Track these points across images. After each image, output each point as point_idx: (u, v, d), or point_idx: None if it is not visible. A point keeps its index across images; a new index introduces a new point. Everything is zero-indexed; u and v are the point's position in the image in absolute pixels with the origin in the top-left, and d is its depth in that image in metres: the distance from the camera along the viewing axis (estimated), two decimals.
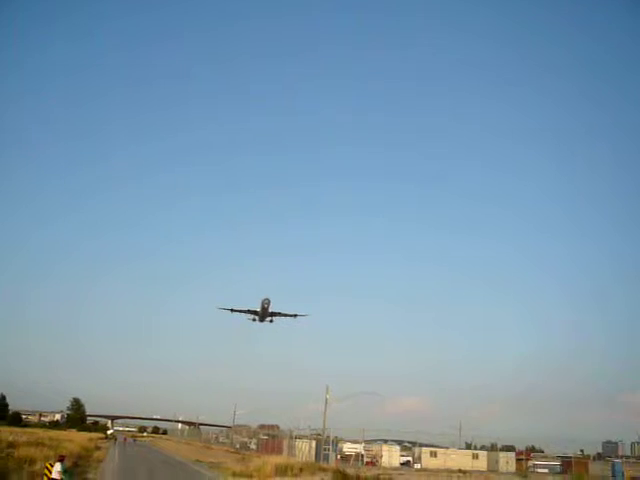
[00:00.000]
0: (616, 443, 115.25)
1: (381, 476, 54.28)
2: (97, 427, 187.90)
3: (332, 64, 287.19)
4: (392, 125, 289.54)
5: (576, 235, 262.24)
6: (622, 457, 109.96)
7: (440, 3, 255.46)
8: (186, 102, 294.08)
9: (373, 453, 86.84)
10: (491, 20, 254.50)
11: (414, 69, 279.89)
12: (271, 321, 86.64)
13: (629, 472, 74.73)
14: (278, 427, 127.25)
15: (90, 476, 41.69)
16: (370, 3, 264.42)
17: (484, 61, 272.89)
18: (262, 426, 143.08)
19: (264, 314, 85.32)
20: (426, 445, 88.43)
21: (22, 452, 41.71)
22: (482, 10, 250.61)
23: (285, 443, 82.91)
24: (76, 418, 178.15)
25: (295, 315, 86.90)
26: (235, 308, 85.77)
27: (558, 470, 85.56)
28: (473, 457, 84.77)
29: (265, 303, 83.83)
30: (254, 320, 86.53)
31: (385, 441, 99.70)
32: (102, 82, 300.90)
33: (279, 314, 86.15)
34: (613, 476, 71.71)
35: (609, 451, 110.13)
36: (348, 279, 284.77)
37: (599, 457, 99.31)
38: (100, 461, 60.09)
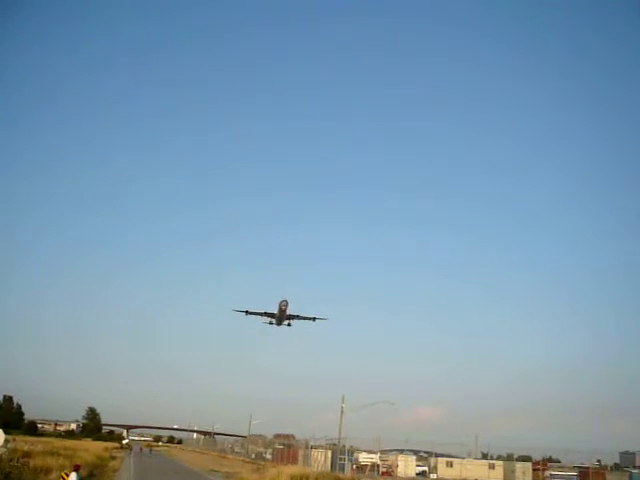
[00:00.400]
0: (633, 453, 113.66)
1: None
2: (112, 437, 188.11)
3: (335, 70, 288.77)
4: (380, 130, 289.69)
5: (587, 240, 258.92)
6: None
7: (440, 6, 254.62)
8: (200, 105, 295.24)
9: (389, 463, 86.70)
10: (491, 21, 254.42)
11: (414, 74, 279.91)
12: (289, 324, 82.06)
13: None
14: (294, 437, 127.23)
15: None
16: (370, 10, 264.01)
17: (484, 63, 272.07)
18: (277, 436, 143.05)
19: (281, 317, 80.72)
20: (442, 455, 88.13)
21: (38, 461, 41.77)
22: (482, 11, 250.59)
23: (301, 453, 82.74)
24: (91, 427, 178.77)
25: (314, 318, 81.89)
26: (250, 310, 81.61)
27: None
28: (489, 467, 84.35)
29: (282, 305, 78.98)
30: (270, 324, 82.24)
31: (401, 451, 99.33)
32: (113, 86, 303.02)
33: (297, 317, 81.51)
34: None
35: (626, 461, 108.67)
36: (362, 287, 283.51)
37: (616, 468, 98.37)
38: (115, 470, 60.31)
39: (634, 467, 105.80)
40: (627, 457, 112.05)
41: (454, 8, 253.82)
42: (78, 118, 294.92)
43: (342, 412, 76.88)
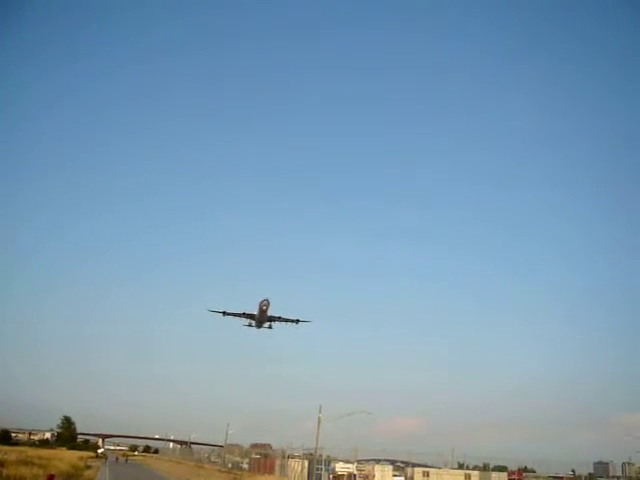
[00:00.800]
0: (607, 463, 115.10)
1: None
2: (88, 446, 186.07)
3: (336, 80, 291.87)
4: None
5: (581, 250, 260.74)
6: (613, 477, 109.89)
7: (422, 18, 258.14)
8: (189, 119, 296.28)
9: (365, 473, 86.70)
10: (473, 31, 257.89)
11: (413, 84, 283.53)
12: (270, 327, 77.97)
13: None
14: (270, 446, 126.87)
15: None
16: (351, 24, 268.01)
17: (468, 73, 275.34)
18: (254, 445, 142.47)
19: (262, 318, 76.53)
20: (419, 465, 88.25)
21: (11, 471, 41.48)
22: (464, 22, 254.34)
23: (277, 463, 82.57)
24: (66, 436, 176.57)
25: (297, 321, 77.72)
26: (228, 311, 77.26)
27: None
28: (465, 477, 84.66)
29: (263, 305, 74.79)
30: (250, 326, 77.82)
31: (378, 461, 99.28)
32: (113, 93, 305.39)
33: (279, 319, 77.37)
34: None
35: (600, 471, 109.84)
36: (345, 297, 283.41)
37: (590, 477, 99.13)
38: None
39: (608, 477, 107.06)
40: (601, 467, 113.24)
41: (435, 19, 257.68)
42: (78, 125, 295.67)
43: (319, 422, 76.82)
